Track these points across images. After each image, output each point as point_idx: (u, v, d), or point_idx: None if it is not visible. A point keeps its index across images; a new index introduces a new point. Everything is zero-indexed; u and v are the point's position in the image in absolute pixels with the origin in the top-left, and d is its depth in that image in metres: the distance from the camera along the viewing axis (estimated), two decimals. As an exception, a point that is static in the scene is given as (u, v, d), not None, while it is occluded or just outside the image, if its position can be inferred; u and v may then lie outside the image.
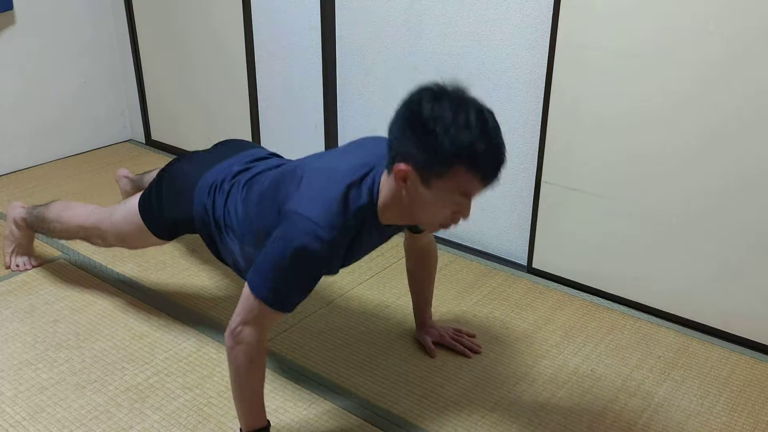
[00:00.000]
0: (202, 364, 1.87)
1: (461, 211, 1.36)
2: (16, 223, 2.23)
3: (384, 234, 1.56)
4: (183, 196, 1.76)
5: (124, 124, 3.52)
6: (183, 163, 1.89)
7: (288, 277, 1.39)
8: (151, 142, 3.46)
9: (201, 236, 1.77)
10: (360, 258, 1.61)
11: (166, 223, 1.83)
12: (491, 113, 1.29)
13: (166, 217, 1.82)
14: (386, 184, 1.41)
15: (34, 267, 2.30)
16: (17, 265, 2.29)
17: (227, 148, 1.89)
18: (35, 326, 2.02)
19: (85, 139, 3.37)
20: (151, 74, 3.32)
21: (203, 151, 1.94)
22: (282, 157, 1.84)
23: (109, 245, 2.03)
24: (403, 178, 1.33)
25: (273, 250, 1.39)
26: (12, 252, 2.28)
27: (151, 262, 2.37)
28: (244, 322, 1.41)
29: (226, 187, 1.68)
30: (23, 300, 2.14)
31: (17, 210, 2.23)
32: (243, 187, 1.65)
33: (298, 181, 1.46)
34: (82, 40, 3.23)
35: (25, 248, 2.29)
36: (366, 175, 1.44)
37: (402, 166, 1.31)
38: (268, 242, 1.42)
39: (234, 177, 1.69)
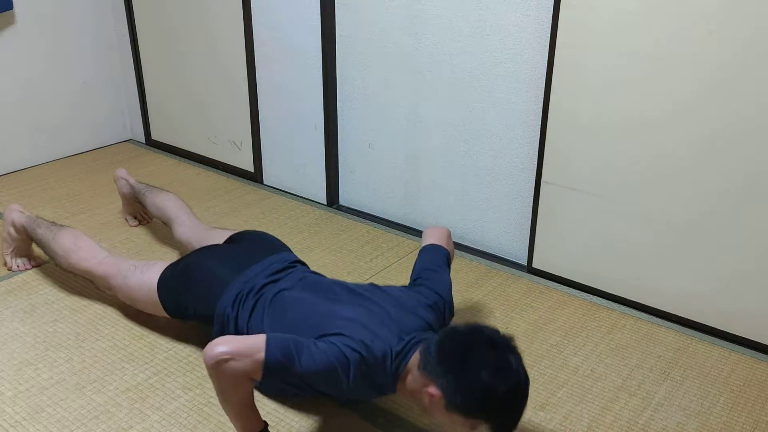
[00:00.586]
0: (202, 364, 1.86)
1: None
2: (14, 227, 2.22)
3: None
4: (206, 300, 1.77)
5: (124, 124, 3.52)
6: (209, 260, 1.88)
7: (301, 366, 1.39)
8: (151, 142, 3.46)
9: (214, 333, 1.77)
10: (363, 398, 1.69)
11: (184, 312, 1.84)
12: (527, 383, 1.40)
13: (185, 306, 1.82)
14: (413, 373, 1.45)
15: (33, 267, 2.30)
16: (17, 266, 2.28)
17: (253, 246, 1.91)
18: (35, 326, 2.02)
19: (85, 139, 3.37)
20: (151, 74, 3.32)
21: (229, 246, 1.96)
22: (305, 266, 1.88)
23: (116, 296, 2.02)
24: (430, 396, 1.38)
25: (315, 344, 1.43)
26: (11, 253, 2.28)
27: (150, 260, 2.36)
28: (234, 357, 1.37)
29: (251, 302, 1.70)
30: (23, 300, 2.14)
31: (15, 214, 2.22)
32: (269, 303, 1.67)
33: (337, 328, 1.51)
34: (83, 41, 3.23)
35: (24, 249, 2.29)
36: (404, 347, 1.48)
37: (433, 391, 1.37)
38: (315, 341, 1.45)
39: (259, 291, 1.71)
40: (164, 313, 1.86)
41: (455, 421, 1.37)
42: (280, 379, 1.43)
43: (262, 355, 1.36)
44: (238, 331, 1.69)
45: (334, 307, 1.59)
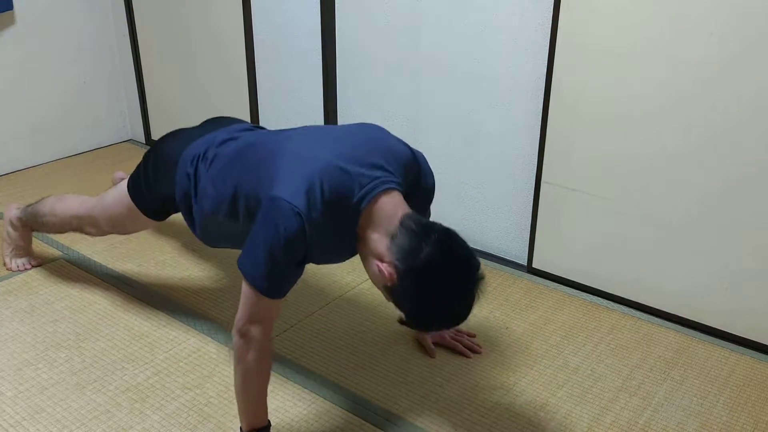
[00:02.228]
0: (202, 364, 1.87)
1: None
2: (12, 223, 2.23)
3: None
4: (169, 170, 1.73)
5: (124, 124, 3.52)
6: (169, 140, 1.86)
7: (279, 260, 1.38)
8: (151, 142, 3.46)
9: (181, 209, 1.74)
10: (333, 259, 1.59)
11: (156, 200, 1.81)
12: (475, 296, 1.36)
13: (155, 194, 1.80)
14: (377, 227, 1.40)
15: (33, 267, 2.30)
16: (17, 266, 2.28)
17: (214, 123, 1.87)
18: (35, 326, 2.02)
19: (85, 139, 3.37)
20: (151, 74, 3.32)
21: (190, 127, 1.91)
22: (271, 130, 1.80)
23: (103, 233, 2.01)
24: (379, 271, 1.37)
25: (261, 236, 1.38)
26: (11, 253, 2.28)
27: (151, 262, 2.37)
28: (250, 319, 1.41)
29: (210, 154, 1.65)
30: (23, 300, 2.14)
31: (12, 211, 2.23)
32: (227, 156, 1.61)
33: (280, 165, 1.44)
34: (82, 40, 3.23)
35: (23, 249, 2.29)
36: (363, 181, 1.41)
37: (387, 270, 1.35)
38: (254, 228, 1.40)
39: (219, 146, 1.66)
40: (144, 219, 1.84)
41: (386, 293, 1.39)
42: (292, 277, 1.43)
43: (257, 294, 1.38)
44: (197, 191, 1.64)
45: (286, 146, 1.51)
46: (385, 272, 1.35)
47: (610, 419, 1.71)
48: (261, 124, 2.94)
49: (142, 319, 2.05)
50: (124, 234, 2.15)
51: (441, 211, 2.57)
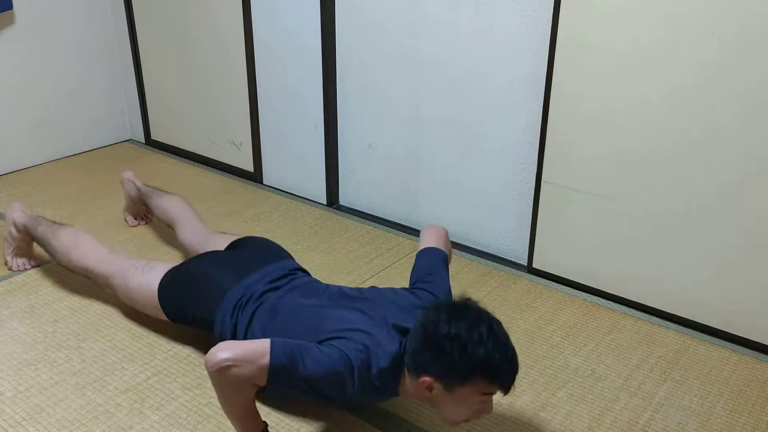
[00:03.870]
0: (202, 364, 1.86)
1: (484, 409, 1.44)
2: (15, 226, 2.22)
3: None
4: (207, 305, 1.76)
5: (124, 124, 3.52)
6: (210, 266, 1.87)
7: (304, 374, 1.40)
8: (151, 142, 3.46)
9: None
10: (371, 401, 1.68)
11: (184, 318, 1.83)
12: (499, 324, 1.41)
13: (185, 310, 1.82)
14: (409, 378, 1.46)
15: (33, 267, 2.30)
16: (17, 266, 2.28)
17: (254, 254, 1.90)
18: (35, 326, 2.02)
19: (85, 139, 3.36)
20: (151, 74, 3.32)
21: (230, 252, 1.95)
22: (307, 273, 1.88)
23: (113, 293, 2.01)
24: (428, 387, 1.41)
25: (318, 348, 1.43)
26: (12, 252, 2.28)
27: (151, 261, 2.36)
28: (237, 363, 1.36)
29: (250, 309, 1.69)
30: (23, 300, 2.14)
31: (17, 213, 2.22)
32: (268, 310, 1.66)
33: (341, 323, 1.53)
34: (82, 40, 3.23)
35: (24, 249, 2.29)
36: (402, 351, 1.48)
37: (426, 378, 1.39)
38: (316, 346, 1.44)
39: (259, 298, 1.70)
40: (164, 317, 1.86)
41: (464, 400, 1.39)
42: (285, 384, 1.43)
43: (266, 360, 1.36)
44: (236, 339, 1.68)
45: (333, 312, 1.58)
46: (425, 381, 1.39)
47: (611, 419, 1.70)
48: (261, 124, 2.94)
49: (142, 319, 2.04)
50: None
51: (441, 212, 2.57)
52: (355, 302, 1.62)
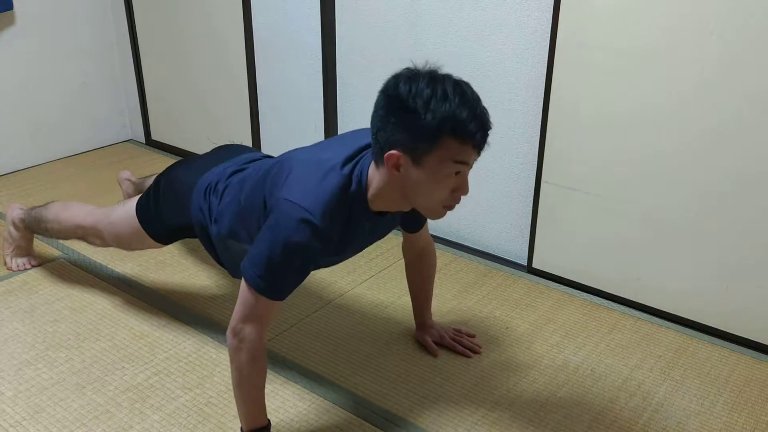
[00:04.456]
0: (202, 364, 1.87)
1: (460, 187, 1.36)
2: (14, 224, 2.23)
3: (378, 226, 1.55)
4: (180, 202, 1.76)
5: (124, 124, 3.52)
6: (180, 169, 1.88)
7: (281, 264, 1.38)
8: (151, 142, 3.46)
9: (201, 241, 1.77)
10: (354, 253, 1.62)
11: (164, 228, 1.84)
12: (468, 85, 1.31)
13: (164, 222, 1.82)
14: (376, 175, 1.40)
15: (33, 267, 2.30)
16: (17, 266, 2.28)
17: (224, 152, 1.89)
18: (35, 326, 2.02)
19: (85, 139, 3.37)
20: (151, 74, 3.32)
21: (200, 155, 1.94)
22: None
23: (107, 245, 2.03)
24: (395, 165, 1.33)
25: (264, 237, 1.39)
26: (11, 253, 2.28)
27: (151, 262, 2.37)
28: (244, 319, 1.41)
29: (221, 187, 1.68)
30: (23, 300, 2.14)
31: (16, 212, 2.23)
32: (236, 186, 1.65)
33: (287, 172, 1.46)
34: (82, 41, 3.23)
35: (24, 249, 2.29)
36: (354, 164, 1.43)
37: (391, 152, 1.32)
38: (261, 231, 1.42)
39: (228, 178, 1.69)
40: (151, 241, 1.86)
41: (434, 173, 1.31)
42: (291, 282, 1.42)
43: (255, 295, 1.38)
44: (213, 221, 1.67)
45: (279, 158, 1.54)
46: (390, 156, 1.31)
47: (610, 419, 1.71)
48: (261, 123, 2.94)
49: (142, 319, 2.04)
50: (128, 251, 2.15)
51: (441, 211, 2.57)
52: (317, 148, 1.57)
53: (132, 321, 2.05)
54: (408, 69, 1.33)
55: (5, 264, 2.30)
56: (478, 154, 1.34)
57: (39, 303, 2.13)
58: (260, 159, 1.79)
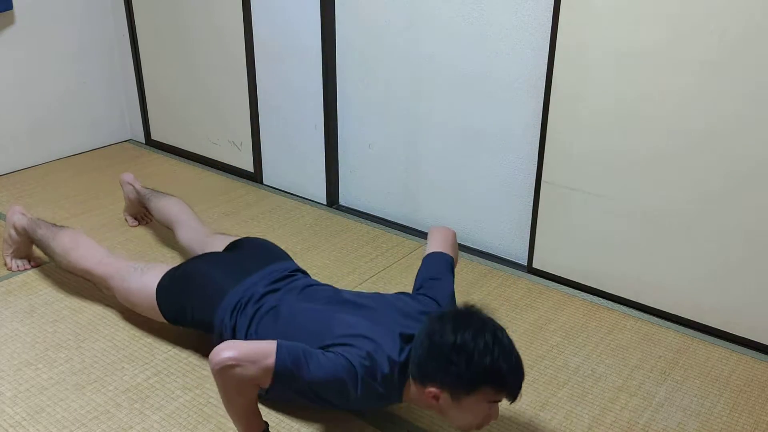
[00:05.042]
0: (202, 364, 1.87)
1: (491, 416, 1.43)
2: (15, 229, 2.22)
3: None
4: (205, 306, 1.76)
5: (124, 124, 3.52)
6: (208, 267, 1.87)
7: (309, 379, 1.39)
8: (151, 142, 3.46)
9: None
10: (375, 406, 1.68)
11: (182, 319, 1.83)
12: (503, 331, 1.40)
13: (184, 316, 1.81)
14: (414, 386, 1.45)
15: (33, 267, 2.30)
16: (17, 266, 2.28)
17: (253, 254, 1.89)
18: (35, 326, 2.02)
19: (85, 139, 3.36)
20: (151, 74, 3.32)
21: (229, 253, 1.94)
22: (307, 275, 1.87)
23: (112, 295, 2.01)
24: (434, 397, 1.40)
25: (323, 359, 1.41)
26: (11, 253, 2.28)
27: (150, 262, 2.36)
28: (241, 363, 1.36)
29: (250, 311, 1.68)
30: (23, 300, 2.14)
31: (17, 216, 2.22)
32: (268, 313, 1.66)
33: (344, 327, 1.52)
34: (82, 40, 3.23)
35: (24, 250, 2.29)
36: (408, 355, 1.47)
37: (432, 389, 1.39)
38: (322, 352, 1.44)
39: (258, 300, 1.70)
40: (162, 319, 1.86)
41: (470, 409, 1.38)
42: (288, 387, 1.43)
43: (271, 361, 1.36)
44: (235, 338, 1.68)
45: (336, 317, 1.58)
46: (432, 392, 1.39)
47: (611, 419, 1.70)
48: (261, 123, 2.94)
49: (142, 319, 2.04)
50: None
51: (441, 212, 2.57)
52: (358, 308, 1.61)
53: (132, 321, 2.04)
54: (453, 314, 1.41)
55: (5, 264, 2.29)
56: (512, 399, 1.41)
57: (39, 303, 2.13)
58: (290, 276, 1.80)
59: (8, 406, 1.71)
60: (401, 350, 1.47)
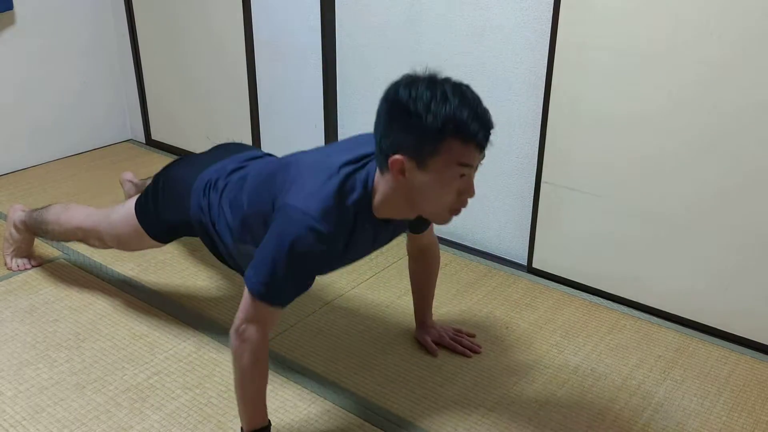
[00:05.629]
0: (202, 364, 1.87)
1: (466, 190, 1.35)
2: (15, 226, 2.23)
3: (382, 232, 1.54)
4: (179, 199, 1.76)
5: (124, 124, 3.52)
6: (179, 166, 1.88)
7: (284, 272, 1.38)
8: (151, 142, 3.46)
9: (201, 239, 1.77)
10: (358, 258, 1.61)
11: (163, 226, 1.83)
12: (468, 86, 1.31)
13: (163, 219, 1.82)
14: (382, 181, 1.40)
15: (34, 267, 2.30)
16: (17, 266, 2.28)
17: (223, 150, 1.89)
18: (35, 326, 2.02)
19: (85, 139, 3.37)
20: (151, 74, 3.32)
21: (198, 154, 1.94)
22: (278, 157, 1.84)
23: (107, 246, 2.03)
24: (400, 170, 1.33)
25: (269, 244, 1.39)
26: (12, 253, 2.28)
27: (151, 262, 2.37)
28: (247, 320, 1.41)
29: (221, 185, 1.67)
30: (23, 300, 2.14)
31: (17, 213, 2.23)
32: (236, 183, 1.64)
33: (293, 174, 1.46)
34: (82, 40, 3.23)
35: (24, 250, 2.29)
36: (359, 168, 1.43)
37: (396, 157, 1.31)
38: (265, 237, 1.42)
39: (228, 175, 1.69)
40: (150, 240, 1.86)
41: (438, 176, 1.31)
42: (293, 290, 1.42)
43: (255, 301, 1.39)
44: (213, 220, 1.67)
45: (289, 160, 1.54)
46: (394, 161, 1.31)
47: (610, 419, 1.71)
48: (261, 123, 2.95)
49: (142, 319, 2.05)
50: (128, 251, 2.16)
51: (441, 211, 2.57)
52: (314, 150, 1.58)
53: (132, 321, 2.05)
54: (407, 75, 1.33)
55: (5, 264, 2.30)
56: (482, 154, 1.34)
57: (39, 303, 2.13)
58: (261, 157, 1.79)
59: (8, 406, 1.71)
60: (355, 161, 1.43)
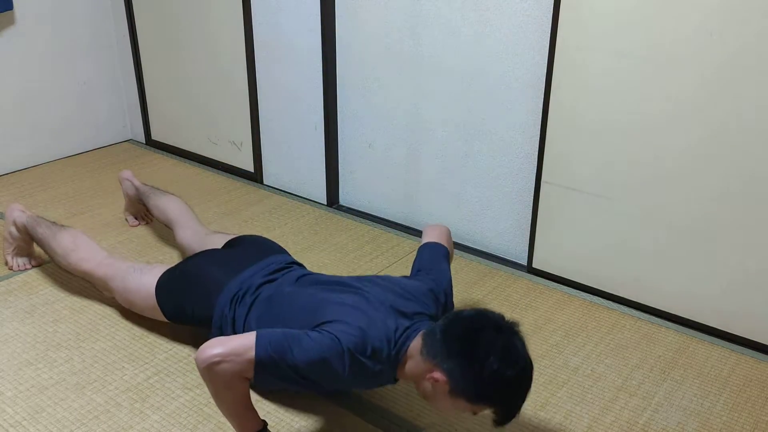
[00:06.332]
0: (202, 364, 1.87)
1: (476, 413, 1.42)
2: (15, 226, 2.22)
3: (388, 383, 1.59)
4: (204, 301, 1.77)
5: (124, 124, 3.52)
6: (206, 263, 1.88)
7: (292, 363, 1.39)
8: (151, 143, 3.46)
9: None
10: (350, 389, 1.70)
11: (182, 316, 1.84)
12: (532, 368, 1.39)
13: (184, 312, 1.82)
14: (415, 360, 1.44)
15: (34, 267, 2.30)
16: (18, 265, 2.28)
17: (250, 250, 1.91)
18: (35, 326, 2.02)
19: (85, 140, 3.37)
20: (151, 74, 3.32)
21: (227, 250, 1.96)
22: (303, 267, 1.88)
23: (112, 297, 2.02)
24: (435, 380, 1.37)
25: (307, 341, 1.40)
26: (12, 252, 2.28)
27: (150, 263, 2.36)
28: (225, 358, 1.38)
29: (248, 300, 1.70)
30: (23, 300, 2.14)
31: (17, 213, 2.22)
32: (265, 301, 1.67)
33: (332, 315, 1.49)
34: (82, 41, 3.23)
35: (25, 249, 2.29)
36: (405, 327, 1.48)
37: (438, 376, 1.36)
38: (312, 330, 1.44)
39: (256, 290, 1.71)
40: (162, 317, 1.87)
41: (458, 406, 1.37)
42: (273, 374, 1.42)
43: (252, 353, 1.37)
44: (235, 332, 1.69)
45: (329, 296, 1.57)
46: (436, 377, 1.36)
47: (611, 419, 1.71)
48: (261, 124, 2.95)
49: (142, 319, 2.04)
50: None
51: (441, 212, 2.57)
52: (354, 288, 1.61)
53: (132, 321, 2.05)
54: (496, 320, 1.40)
55: (6, 264, 2.30)
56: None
57: (39, 303, 2.13)
58: (287, 267, 1.81)
59: (8, 406, 1.71)
60: (397, 327, 1.46)
